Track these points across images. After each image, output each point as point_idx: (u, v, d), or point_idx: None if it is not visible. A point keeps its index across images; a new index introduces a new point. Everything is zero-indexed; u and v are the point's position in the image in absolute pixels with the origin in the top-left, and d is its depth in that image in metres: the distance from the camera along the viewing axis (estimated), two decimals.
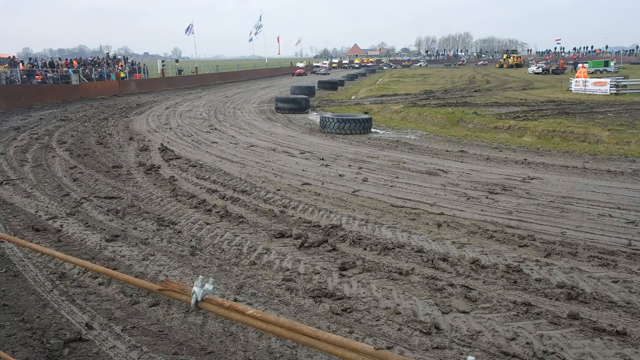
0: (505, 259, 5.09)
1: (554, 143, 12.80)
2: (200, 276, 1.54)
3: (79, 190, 8.00)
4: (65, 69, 30.75)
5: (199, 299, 1.51)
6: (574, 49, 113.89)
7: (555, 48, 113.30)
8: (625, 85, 26.73)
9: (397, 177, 9.23)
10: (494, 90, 30.71)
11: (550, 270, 4.80)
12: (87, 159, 10.70)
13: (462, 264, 4.96)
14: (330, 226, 6.12)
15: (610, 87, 25.76)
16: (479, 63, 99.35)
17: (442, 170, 9.72)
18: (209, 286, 1.54)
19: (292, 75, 52.82)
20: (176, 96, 29.78)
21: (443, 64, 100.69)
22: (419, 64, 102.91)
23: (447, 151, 11.98)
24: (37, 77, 28.27)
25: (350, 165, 10.32)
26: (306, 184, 8.63)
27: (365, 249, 5.39)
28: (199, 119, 18.70)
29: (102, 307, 3.91)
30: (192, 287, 1.53)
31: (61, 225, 6.14)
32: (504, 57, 74.72)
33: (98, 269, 1.80)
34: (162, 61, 55.86)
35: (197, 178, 9.04)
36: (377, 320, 3.85)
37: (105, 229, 5.97)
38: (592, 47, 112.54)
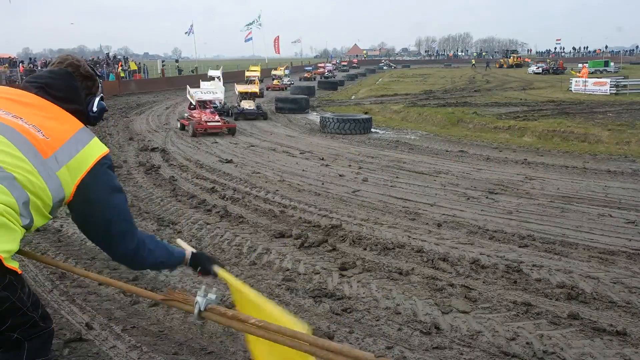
0: (505, 259, 5.09)
1: (554, 143, 12.81)
2: (203, 286, 1.55)
3: None
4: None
5: (202, 309, 1.52)
6: (574, 48, 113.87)
7: (555, 48, 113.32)
8: (625, 85, 26.75)
9: (397, 177, 9.23)
10: (494, 90, 30.72)
11: (550, 270, 4.80)
12: None
13: (462, 264, 4.96)
14: (330, 226, 6.12)
15: (610, 87, 25.78)
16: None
17: (442, 170, 9.72)
18: (211, 296, 1.55)
19: None
20: (176, 96, 29.76)
21: (443, 63, 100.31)
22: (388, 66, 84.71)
23: (447, 151, 11.98)
24: None
25: (350, 165, 10.33)
26: (306, 183, 8.63)
27: (365, 249, 5.39)
28: None
29: (102, 307, 3.91)
30: (195, 297, 1.53)
31: (61, 226, 6.14)
32: (498, 62, 72.30)
33: (115, 284, 1.83)
34: (162, 61, 55.77)
35: (197, 178, 9.04)
36: (377, 320, 3.85)
37: None
38: (587, 47, 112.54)
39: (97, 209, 1.80)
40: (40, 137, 1.69)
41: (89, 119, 1.98)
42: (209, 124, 14.31)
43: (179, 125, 15.21)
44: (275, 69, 40.79)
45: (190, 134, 14.08)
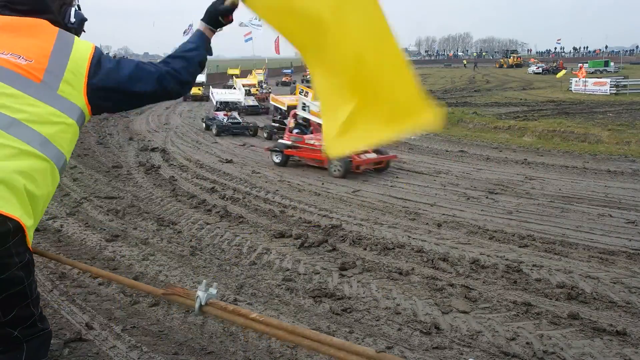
0: (506, 259, 5.09)
1: (554, 143, 12.81)
2: (204, 280, 1.54)
3: (79, 190, 8.00)
4: None
5: (203, 303, 1.51)
6: (574, 48, 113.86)
7: (556, 48, 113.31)
8: (625, 85, 26.78)
9: (397, 177, 9.24)
10: (494, 90, 30.73)
11: (550, 270, 4.80)
12: (87, 159, 10.70)
13: (462, 264, 4.96)
14: (330, 226, 6.12)
15: (610, 87, 25.79)
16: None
17: (442, 170, 9.72)
18: (212, 290, 1.54)
19: None
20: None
21: (443, 63, 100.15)
22: None
23: (447, 151, 11.98)
24: None
25: None
26: (306, 183, 8.63)
27: (365, 249, 5.39)
28: (200, 119, 18.70)
29: (102, 307, 3.91)
30: (196, 291, 1.53)
31: (61, 225, 6.14)
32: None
33: (116, 278, 1.81)
34: None
35: (197, 178, 9.04)
36: (377, 320, 3.85)
37: (105, 229, 5.97)
38: (587, 47, 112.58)
39: (120, 89, 1.70)
40: (24, 64, 1.55)
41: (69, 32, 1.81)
42: (366, 157, 9.33)
43: (277, 159, 10.43)
44: (250, 73, 33.24)
45: (341, 174, 9.11)
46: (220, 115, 15.66)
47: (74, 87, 1.61)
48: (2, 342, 1.61)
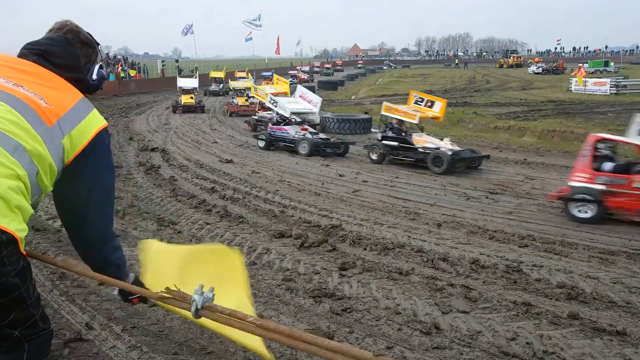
0: (506, 259, 5.09)
1: (554, 143, 12.81)
2: (200, 283, 1.54)
3: None
4: None
5: (199, 307, 1.50)
6: (574, 48, 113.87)
7: (556, 48, 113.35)
8: (625, 85, 26.77)
9: (397, 177, 9.24)
10: (494, 90, 30.71)
11: (550, 270, 4.80)
12: None
13: (462, 264, 4.96)
14: (330, 226, 6.12)
15: (610, 87, 25.79)
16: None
17: None
18: (208, 294, 1.53)
19: None
20: (176, 96, 29.75)
21: (443, 63, 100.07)
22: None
23: None
24: None
25: (350, 165, 10.33)
26: (306, 183, 8.63)
27: (365, 249, 5.39)
28: (199, 119, 18.72)
29: (102, 307, 3.91)
30: (192, 295, 1.52)
31: (61, 226, 6.12)
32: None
33: (110, 281, 1.81)
34: (162, 61, 55.66)
35: (197, 178, 9.04)
36: (377, 320, 3.85)
37: None
38: (587, 47, 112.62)
39: (87, 185, 1.77)
40: (44, 105, 1.64)
41: (89, 88, 1.94)
42: None
43: (585, 215, 6.60)
44: (234, 78, 26.13)
45: None
46: (293, 130, 12.30)
47: (72, 145, 1.70)
48: (3, 343, 1.62)
